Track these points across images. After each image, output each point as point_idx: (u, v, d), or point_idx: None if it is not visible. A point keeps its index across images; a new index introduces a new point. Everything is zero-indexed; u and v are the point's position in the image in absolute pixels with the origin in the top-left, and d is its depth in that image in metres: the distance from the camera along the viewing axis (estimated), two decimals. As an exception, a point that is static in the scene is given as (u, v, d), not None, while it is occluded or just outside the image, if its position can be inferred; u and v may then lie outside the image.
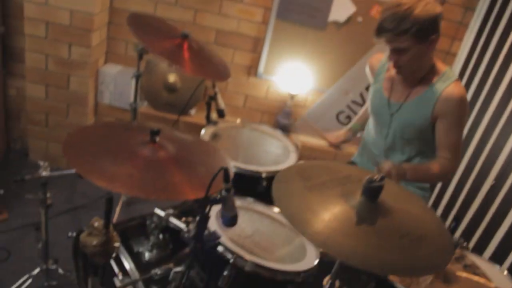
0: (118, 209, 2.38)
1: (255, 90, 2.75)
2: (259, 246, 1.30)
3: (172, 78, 2.61)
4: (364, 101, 2.81)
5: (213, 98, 2.00)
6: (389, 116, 1.77)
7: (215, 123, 2.03)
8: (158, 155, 1.40)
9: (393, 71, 1.72)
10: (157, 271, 1.14)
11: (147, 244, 1.35)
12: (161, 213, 1.17)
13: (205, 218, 1.03)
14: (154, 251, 1.33)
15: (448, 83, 1.61)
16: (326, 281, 1.09)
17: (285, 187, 1.10)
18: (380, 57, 1.85)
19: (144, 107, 2.68)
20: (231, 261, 1.11)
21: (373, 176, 0.92)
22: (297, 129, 2.84)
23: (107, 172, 1.31)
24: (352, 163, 2.04)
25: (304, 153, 2.63)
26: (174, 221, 1.19)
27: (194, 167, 1.43)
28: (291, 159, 1.87)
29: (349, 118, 2.88)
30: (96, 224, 1.10)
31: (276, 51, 2.60)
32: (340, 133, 2.04)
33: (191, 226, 1.15)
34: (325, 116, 2.87)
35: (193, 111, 2.74)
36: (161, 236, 1.31)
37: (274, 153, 1.99)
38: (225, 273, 1.10)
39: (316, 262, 1.20)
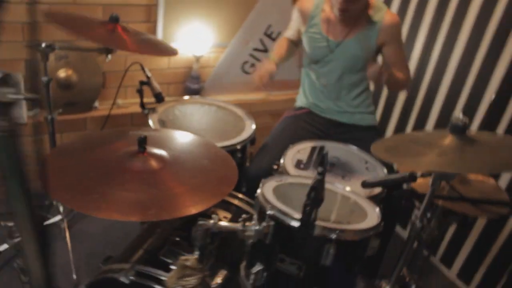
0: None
1: (156, 62, 2.54)
2: (329, 217, 1.30)
3: (62, 73, 2.24)
4: (264, 46, 2.85)
5: (146, 82, 1.82)
6: (332, 55, 1.87)
7: (153, 109, 1.86)
8: (150, 165, 1.25)
9: (330, 13, 1.80)
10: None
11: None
12: (208, 221, 1.08)
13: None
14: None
15: (383, 13, 1.77)
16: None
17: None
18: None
19: (36, 115, 2.27)
20: (334, 237, 1.12)
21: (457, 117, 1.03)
22: (208, 91, 2.77)
23: (103, 201, 1.13)
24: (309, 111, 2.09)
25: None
26: (224, 224, 1.11)
27: (197, 164, 1.32)
28: (248, 125, 1.84)
29: (253, 66, 2.91)
30: (188, 263, 0.96)
31: (172, 15, 2.41)
32: (262, 71, 1.89)
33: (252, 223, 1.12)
34: (230, 70, 2.83)
35: (97, 104, 2.42)
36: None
37: (226, 121, 1.93)
38: (331, 251, 1.11)
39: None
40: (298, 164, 1.65)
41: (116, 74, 2.39)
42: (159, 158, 1.27)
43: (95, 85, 2.34)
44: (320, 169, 1.02)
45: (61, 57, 2.21)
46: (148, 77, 1.80)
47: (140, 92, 1.85)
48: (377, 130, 2.09)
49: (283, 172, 1.60)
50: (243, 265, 1.24)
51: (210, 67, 2.75)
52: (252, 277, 1.17)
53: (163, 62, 2.57)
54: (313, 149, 1.78)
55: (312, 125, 2.02)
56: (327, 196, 1.06)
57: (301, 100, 2.14)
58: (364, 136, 1.95)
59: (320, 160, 1.03)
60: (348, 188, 1.48)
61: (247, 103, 2.85)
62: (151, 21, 2.39)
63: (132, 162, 1.25)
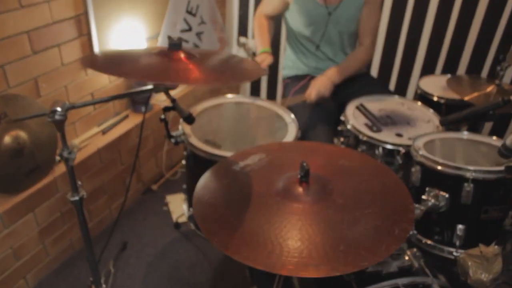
0: None
1: (97, 78, 2.12)
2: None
3: (8, 139, 1.70)
4: (189, 25, 2.61)
5: (172, 108, 1.55)
6: (329, 18, 1.88)
7: (183, 134, 1.62)
8: (328, 203, 1.12)
9: None
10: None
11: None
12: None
13: None
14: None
15: None
16: None
17: None
18: None
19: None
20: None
21: None
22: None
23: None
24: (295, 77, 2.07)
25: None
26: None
27: (367, 188, 1.20)
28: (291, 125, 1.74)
29: (184, 49, 2.66)
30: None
31: (104, 19, 2.00)
32: (262, 58, 1.97)
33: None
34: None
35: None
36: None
37: (268, 120, 1.78)
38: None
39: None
40: (371, 128, 1.67)
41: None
42: (333, 190, 1.14)
43: (53, 133, 1.85)
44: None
45: None
46: (174, 100, 1.52)
47: (165, 121, 1.57)
48: (371, 75, 2.21)
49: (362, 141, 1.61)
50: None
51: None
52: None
53: (104, 75, 2.16)
54: (357, 108, 1.82)
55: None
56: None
57: (296, 69, 2.10)
58: (368, 85, 2.07)
59: None
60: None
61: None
62: (84, 33, 1.94)
63: (296, 202, 1.10)
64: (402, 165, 1.57)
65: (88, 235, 1.39)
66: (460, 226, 1.27)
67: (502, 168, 1.20)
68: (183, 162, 1.78)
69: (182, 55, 1.17)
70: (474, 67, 2.46)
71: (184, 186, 1.86)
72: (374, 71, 2.73)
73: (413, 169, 1.34)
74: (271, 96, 3.18)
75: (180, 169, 2.64)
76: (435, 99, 2.02)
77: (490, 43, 2.39)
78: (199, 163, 1.60)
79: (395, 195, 1.19)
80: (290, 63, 2.14)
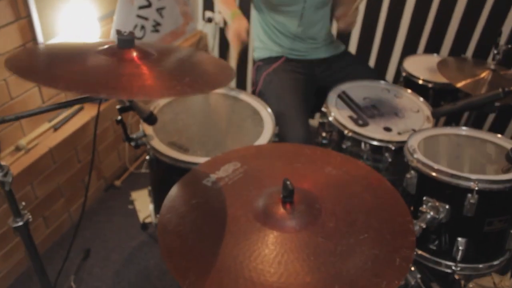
0: None
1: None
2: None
3: None
4: (148, 0, 2.34)
5: (129, 108, 1.34)
6: None
7: (144, 136, 1.42)
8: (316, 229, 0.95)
9: None
10: None
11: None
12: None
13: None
14: None
15: None
16: None
17: None
18: None
19: None
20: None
21: None
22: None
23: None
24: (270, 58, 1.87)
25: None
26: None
27: (359, 204, 1.05)
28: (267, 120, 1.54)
29: (143, 28, 2.40)
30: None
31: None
32: (239, 30, 1.64)
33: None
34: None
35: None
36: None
37: (241, 115, 1.58)
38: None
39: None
40: (356, 121, 1.51)
41: None
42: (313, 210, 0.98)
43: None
44: None
45: None
46: (130, 100, 1.31)
47: (122, 123, 1.36)
48: (350, 53, 2.03)
49: (344, 137, 1.45)
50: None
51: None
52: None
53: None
54: (339, 97, 1.64)
55: (297, 72, 1.83)
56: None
57: (269, 50, 1.89)
58: (349, 65, 1.90)
59: None
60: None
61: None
62: (22, 16, 1.66)
63: (276, 222, 0.94)
64: (392, 163, 1.43)
65: (39, 263, 1.19)
66: (461, 240, 1.14)
67: (510, 176, 1.08)
68: (147, 157, 1.57)
69: (134, 54, 0.95)
70: (460, 47, 2.32)
71: (150, 188, 1.67)
72: (353, 47, 2.55)
73: (408, 175, 1.19)
74: (241, 82, 2.97)
75: (145, 169, 2.43)
76: (421, 82, 1.88)
77: (476, 22, 2.23)
78: (163, 169, 1.41)
79: (391, 211, 1.04)
80: (261, 44, 1.93)
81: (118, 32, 0.93)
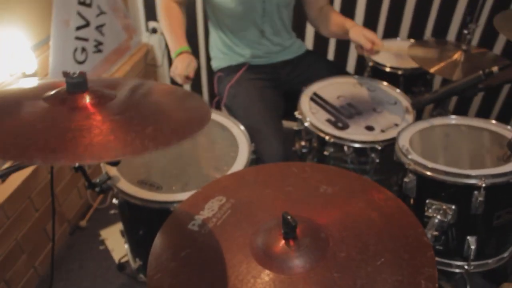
0: None
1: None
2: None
3: None
4: (85, 20, 2.15)
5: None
6: None
7: (109, 178, 1.27)
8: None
9: None
10: None
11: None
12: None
13: None
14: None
15: None
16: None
17: None
18: None
19: None
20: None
21: None
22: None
23: None
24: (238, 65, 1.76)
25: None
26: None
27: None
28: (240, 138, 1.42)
29: (84, 50, 2.21)
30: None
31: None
32: (187, 71, 1.51)
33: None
34: (65, 67, 2.09)
35: None
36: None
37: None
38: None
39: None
40: (335, 125, 1.42)
41: None
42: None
43: None
44: None
45: None
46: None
47: (81, 169, 1.20)
48: (312, 51, 1.95)
49: (324, 144, 1.36)
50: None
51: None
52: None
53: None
54: (312, 100, 1.55)
55: (262, 79, 1.73)
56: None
57: (229, 59, 1.77)
58: (313, 63, 1.82)
59: None
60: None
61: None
62: None
63: (283, 264, 0.84)
64: (379, 163, 1.36)
65: None
66: (471, 238, 1.08)
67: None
68: (114, 201, 1.42)
69: (87, 100, 0.81)
70: (418, 29, 2.28)
71: (122, 229, 1.52)
72: (309, 43, 2.47)
73: (406, 179, 1.12)
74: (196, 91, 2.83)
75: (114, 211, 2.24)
76: (389, 70, 1.82)
77: (431, 1, 2.20)
78: (136, 212, 1.27)
79: (401, 225, 0.96)
80: (219, 54, 1.81)
81: (66, 74, 0.79)
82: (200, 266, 0.89)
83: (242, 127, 1.40)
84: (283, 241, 0.87)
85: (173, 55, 1.54)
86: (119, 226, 2.09)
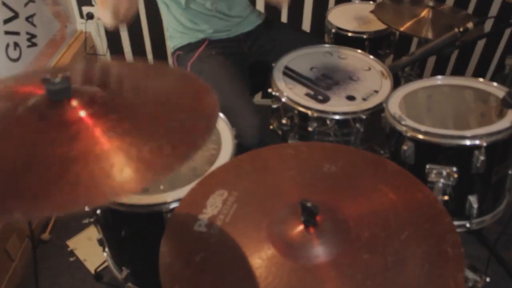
0: None
1: None
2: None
3: None
4: (14, 11, 1.95)
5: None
6: None
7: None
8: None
9: None
10: None
11: None
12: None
13: None
14: None
15: None
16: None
17: None
18: None
19: None
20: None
21: None
22: None
23: None
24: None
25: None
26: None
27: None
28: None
29: (17, 45, 2.00)
30: None
31: None
32: None
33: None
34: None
35: None
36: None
37: None
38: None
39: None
40: (315, 98, 1.39)
41: None
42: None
43: None
44: None
45: None
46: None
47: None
48: (271, 20, 1.88)
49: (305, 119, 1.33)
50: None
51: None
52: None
53: None
54: (285, 75, 1.50)
55: (225, 54, 1.66)
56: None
57: (188, 36, 1.68)
58: (276, 34, 1.77)
59: None
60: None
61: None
62: None
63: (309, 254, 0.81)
64: (365, 131, 1.35)
65: None
66: (472, 198, 1.11)
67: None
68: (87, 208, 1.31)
69: (74, 104, 0.69)
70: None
71: (99, 236, 1.42)
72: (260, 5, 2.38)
73: (404, 147, 1.11)
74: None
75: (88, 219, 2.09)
76: (351, 34, 1.81)
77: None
78: (122, 220, 1.18)
79: (413, 195, 0.95)
80: (175, 32, 1.70)
81: (46, 80, 0.67)
82: (220, 268, 0.84)
83: (221, 114, 1.33)
84: (303, 230, 0.84)
85: None
86: (86, 234, 1.98)
